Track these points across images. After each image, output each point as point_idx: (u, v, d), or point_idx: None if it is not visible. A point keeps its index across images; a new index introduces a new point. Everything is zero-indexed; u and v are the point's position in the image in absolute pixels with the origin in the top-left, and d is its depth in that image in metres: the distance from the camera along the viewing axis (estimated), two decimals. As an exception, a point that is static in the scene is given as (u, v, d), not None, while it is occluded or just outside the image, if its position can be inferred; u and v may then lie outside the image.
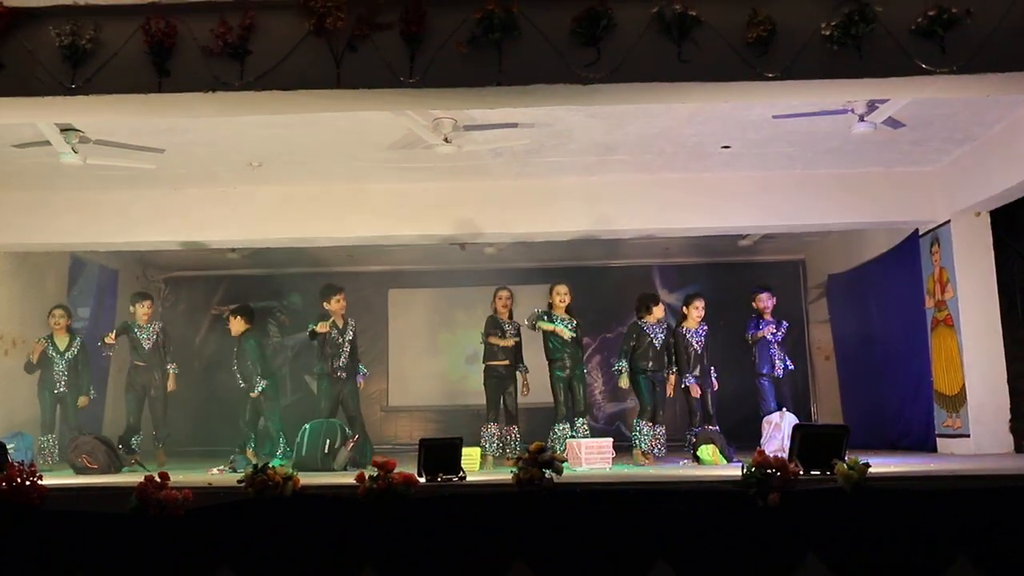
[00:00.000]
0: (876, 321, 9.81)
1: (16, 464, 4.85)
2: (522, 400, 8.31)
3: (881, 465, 5.17)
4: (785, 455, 5.14)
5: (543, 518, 4.69)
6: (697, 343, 8.20)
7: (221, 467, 7.72)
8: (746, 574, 4.55)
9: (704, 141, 7.57)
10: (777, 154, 7.97)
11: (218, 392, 10.60)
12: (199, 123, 6.65)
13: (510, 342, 8.16)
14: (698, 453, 7.49)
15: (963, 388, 8.09)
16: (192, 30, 5.11)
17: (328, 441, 7.28)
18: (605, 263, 11.89)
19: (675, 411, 9.60)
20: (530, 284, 10.40)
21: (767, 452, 4.82)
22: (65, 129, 6.76)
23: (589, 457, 7.12)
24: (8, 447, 5.71)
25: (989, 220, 8.20)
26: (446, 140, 6.95)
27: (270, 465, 4.79)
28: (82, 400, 8.67)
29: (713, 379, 8.19)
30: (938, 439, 8.44)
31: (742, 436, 8.45)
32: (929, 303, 8.64)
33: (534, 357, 8.35)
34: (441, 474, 5.17)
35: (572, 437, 7.66)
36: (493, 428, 7.95)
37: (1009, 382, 8.02)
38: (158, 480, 4.69)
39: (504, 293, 8.31)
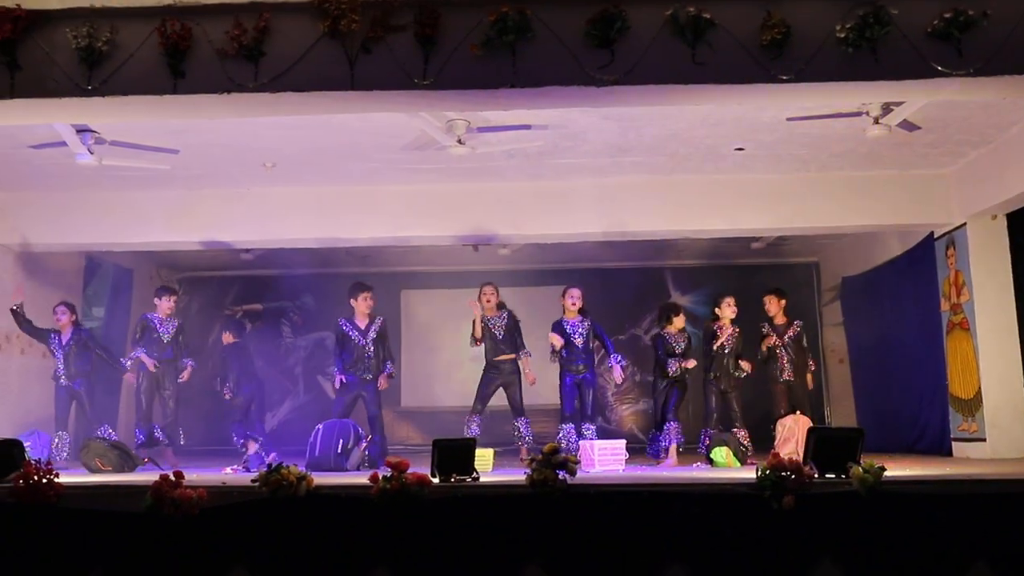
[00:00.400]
0: (891, 324, 9.75)
1: (33, 462, 4.89)
2: (528, 401, 8.26)
3: (896, 469, 5.14)
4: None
5: (556, 520, 4.70)
6: (727, 342, 8.03)
7: (235, 466, 7.74)
8: (760, 577, 4.55)
9: (718, 143, 7.55)
10: (791, 156, 7.94)
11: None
12: (214, 124, 6.68)
13: (478, 332, 8.18)
14: (711, 455, 7.47)
15: (979, 392, 8.03)
16: (207, 32, 5.14)
17: (342, 441, 7.28)
18: (618, 265, 11.85)
19: (688, 413, 9.55)
20: (543, 286, 10.38)
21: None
22: (81, 130, 6.80)
23: (603, 459, 7.10)
24: (25, 445, 5.74)
25: (1006, 223, 8.14)
26: (460, 142, 6.94)
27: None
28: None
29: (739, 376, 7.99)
30: (953, 443, 8.39)
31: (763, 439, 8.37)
32: (945, 306, 8.59)
33: (542, 359, 8.33)
34: (454, 475, 5.17)
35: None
36: (475, 421, 8.01)
37: (1025, 386, 7.97)
38: (173, 479, 4.73)
39: (488, 289, 8.33)
